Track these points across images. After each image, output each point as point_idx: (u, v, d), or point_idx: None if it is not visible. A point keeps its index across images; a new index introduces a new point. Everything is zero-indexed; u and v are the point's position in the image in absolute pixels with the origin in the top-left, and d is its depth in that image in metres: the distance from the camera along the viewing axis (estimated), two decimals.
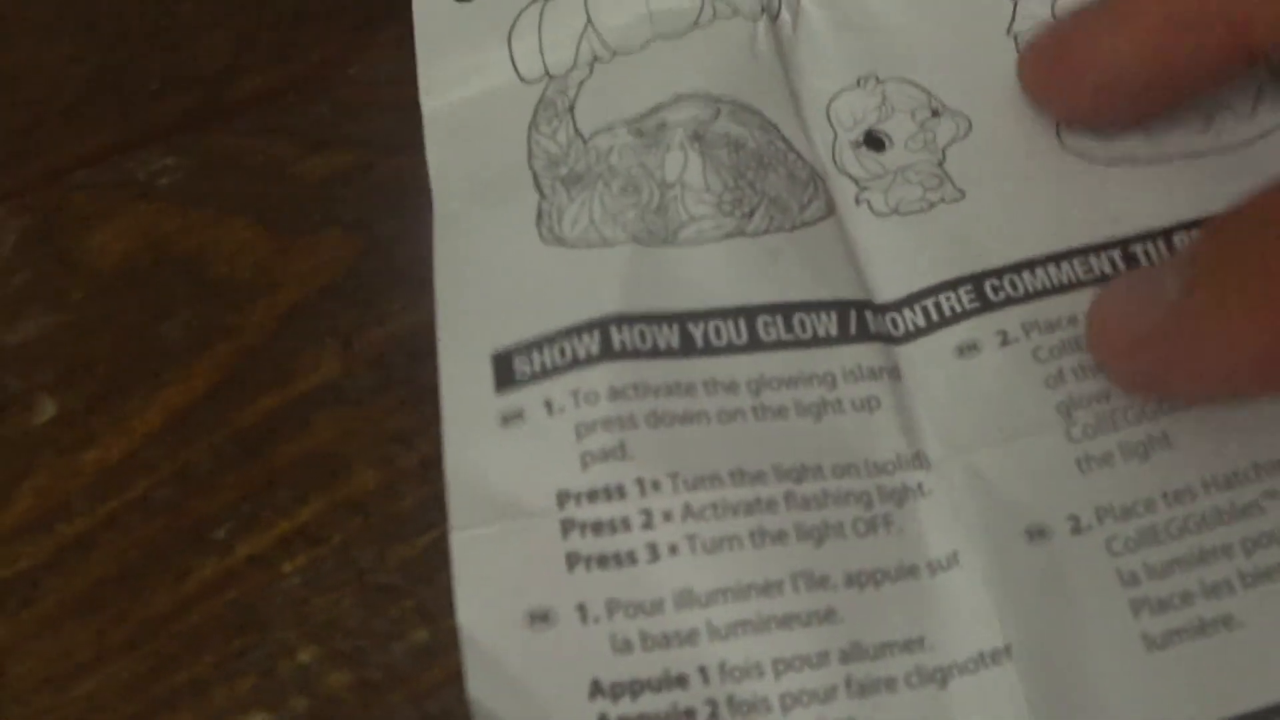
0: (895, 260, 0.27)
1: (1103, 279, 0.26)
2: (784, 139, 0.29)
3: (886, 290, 0.27)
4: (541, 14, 0.30)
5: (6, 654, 0.25)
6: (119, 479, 0.27)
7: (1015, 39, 0.30)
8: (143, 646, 0.25)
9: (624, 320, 0.26)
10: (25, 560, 0.26)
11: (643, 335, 0.26)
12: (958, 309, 0.26)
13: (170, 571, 0.26)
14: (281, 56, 0.32)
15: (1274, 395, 0.24)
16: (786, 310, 0.26)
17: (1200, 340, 0.22)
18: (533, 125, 0.29)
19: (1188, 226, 0.27)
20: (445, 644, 0.24)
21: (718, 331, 0.26)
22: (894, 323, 0.27)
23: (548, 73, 0.30)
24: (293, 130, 0.31)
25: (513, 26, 0.30)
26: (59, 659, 0.25)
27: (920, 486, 0.25)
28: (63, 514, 0.27)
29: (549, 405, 0.25)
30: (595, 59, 0.30)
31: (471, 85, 0.30)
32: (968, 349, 0.26)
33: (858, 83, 0.30)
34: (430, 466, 0.26)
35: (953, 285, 0.27)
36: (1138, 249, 0.27)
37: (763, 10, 0.30)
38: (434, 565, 0.25)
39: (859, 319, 0.26)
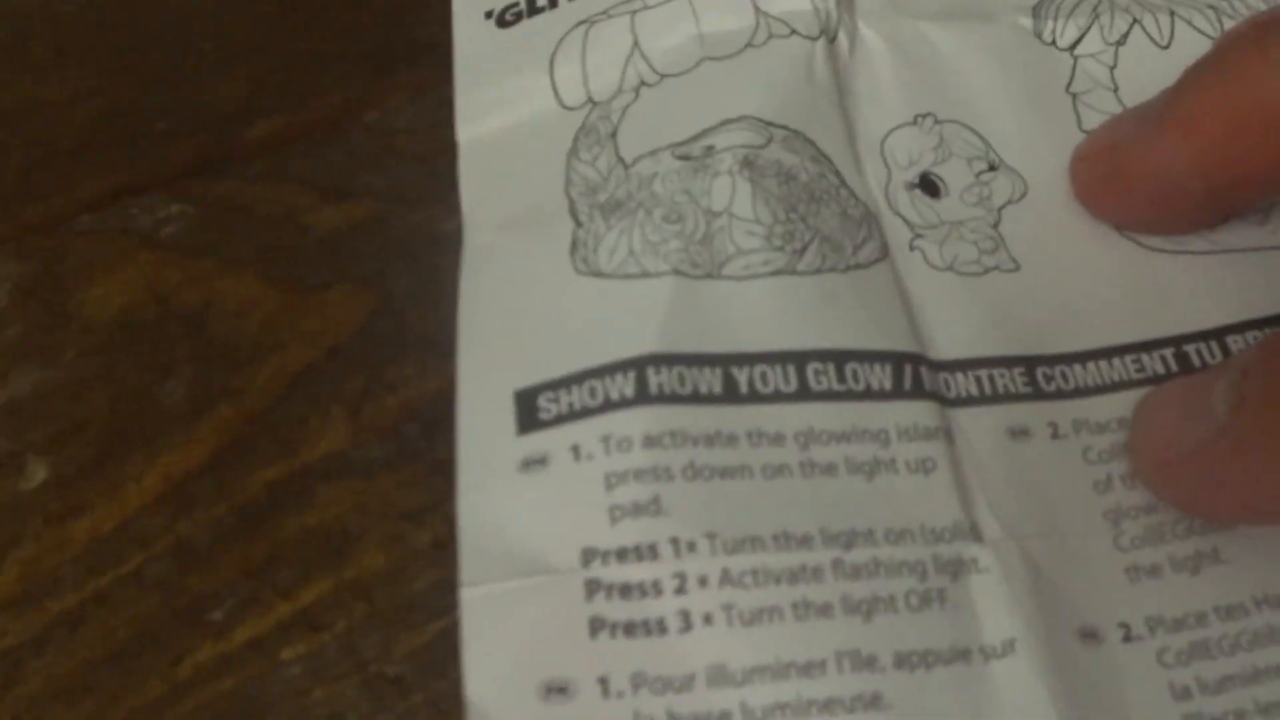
0: (949, 320, 0.26)
1: (1154, 379, 0.26)
2: (836, 172, 0.27)
3: (939, 348, 0.26)
4: (586, 38, 0.29)
5: None
6: (111, 551, 0.26)
7: (1073, 98, 0.29)
8: None
9: (663, 360, 0.24)
10: (10, 638, 0.25)
11: (682, 378, 0.24)
12: (1011, 389, 0.25)
13: (164, 654, 0.24)
14: (296, 100, 0.32)
15: None
16: (839, 358, 0.25)
17: (1244, 465, 0.22)
18: (572, 152, 0.28)
19: (1241, 329, 0.26)
20: None
21: (764, 378, 0.24)
22: (946, 384, 0.25)
23: (591, 99, 0.29)
24: (305, 178, 0.30)
25: (555, 52, 0.30)
26: None
27: (976, 561, 0.23)
28: (51, 588, 0.25)
29: (576, 451, 0.23)
30: (642, 83, 0.29)
31: (510, 113, 0.29)
32: (1019, 433, 0.25)
33: (915, 120, 0.29)
34: (443, 547, 0.25)
35: (1006, 363, 0.26)
36: (1190, 349, 0.26)
37: (821, 31, 0.29)
38: (446, 656, 0.24)
39: (914, 374, 0.25)
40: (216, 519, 0.26)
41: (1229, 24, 0.30)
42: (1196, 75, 0.26)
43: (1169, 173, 0.26)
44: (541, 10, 0.30)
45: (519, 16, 0.30)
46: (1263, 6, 0.30)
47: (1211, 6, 0.30)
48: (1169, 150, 0.25)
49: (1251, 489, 0.22)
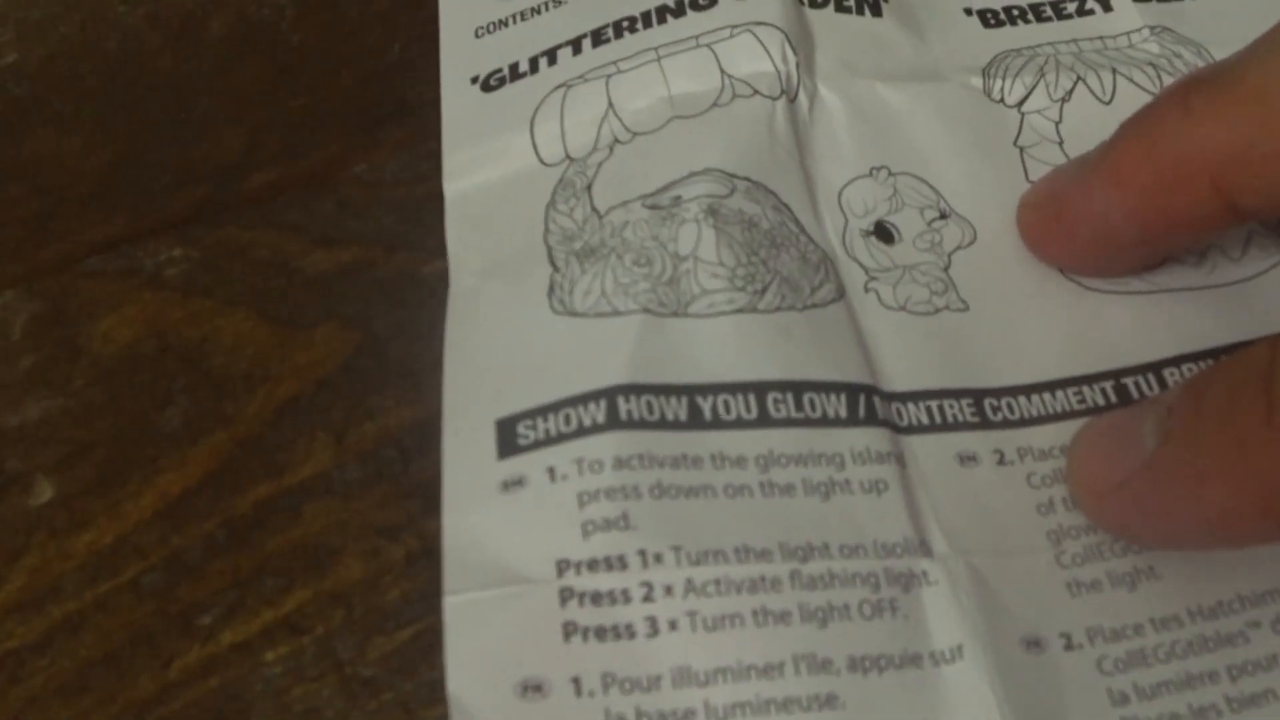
0: (902, 355, 0.27)
1: (1095, 409, 0.27)
2: (796, 221, 0.29)
3: (892, 380, 0.27)
4: (564, 100, 0.31)
5: None
6: (110, 563, 0.27)
7: (1020, 151, 0.31)
8: None
9: (632, 390, 0.25)
10: (15, 639, 0.26)
11: (650, 406, 0.25)
12: (959, 418, 0.26)
13: (156, 656, 0.26)
14: (291, 153, 0.33)
15: (1237, 549, 0.25)
16: (797, 388, 0.26)
17: (1167, 497, 0.23)
18: (550, 204, 0.29)
19: (1177, 362, 0.27)
20: None
21: (727, 406, 0.25)
22: (899, 413, 0.26)
23: (568, 155, 0.30)
24: (298, 225, 0.32)
25: (535, 113, 0.31)
26: None
27: (926, 575, 0.24)
28: (54, 595, 0.26)
29: (552, 472, 0.25)
30: (615, 141, 0.30)
31: (493, 170, 0.31)
32: (968, 459, 0.26)
33: (870, 172, 0.30)
34: (415, 561, 0.26)
35: (955, 395, 0.27)
36: (1129, 382, 0.27)
37: (782, 92, 0.30)
38: (415, 659, 0.25)
39: (868, 403, 0.26)
40: (208, 534, 0.27)
41: (1168, 80, 0.31)
42: (1128, 129, 0.27)
43: (1104, 219, 0.27)
44: (523, 76, 0.32)
45: (502, 82, 0.32)
46: (1200, 63, 0.32)
47: (1151, 64, 0.32)
48: (1103, 199, 0.27)
49: (1173, 519, 0.23)
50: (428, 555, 0.26)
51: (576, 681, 0.23)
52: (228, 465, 0.28)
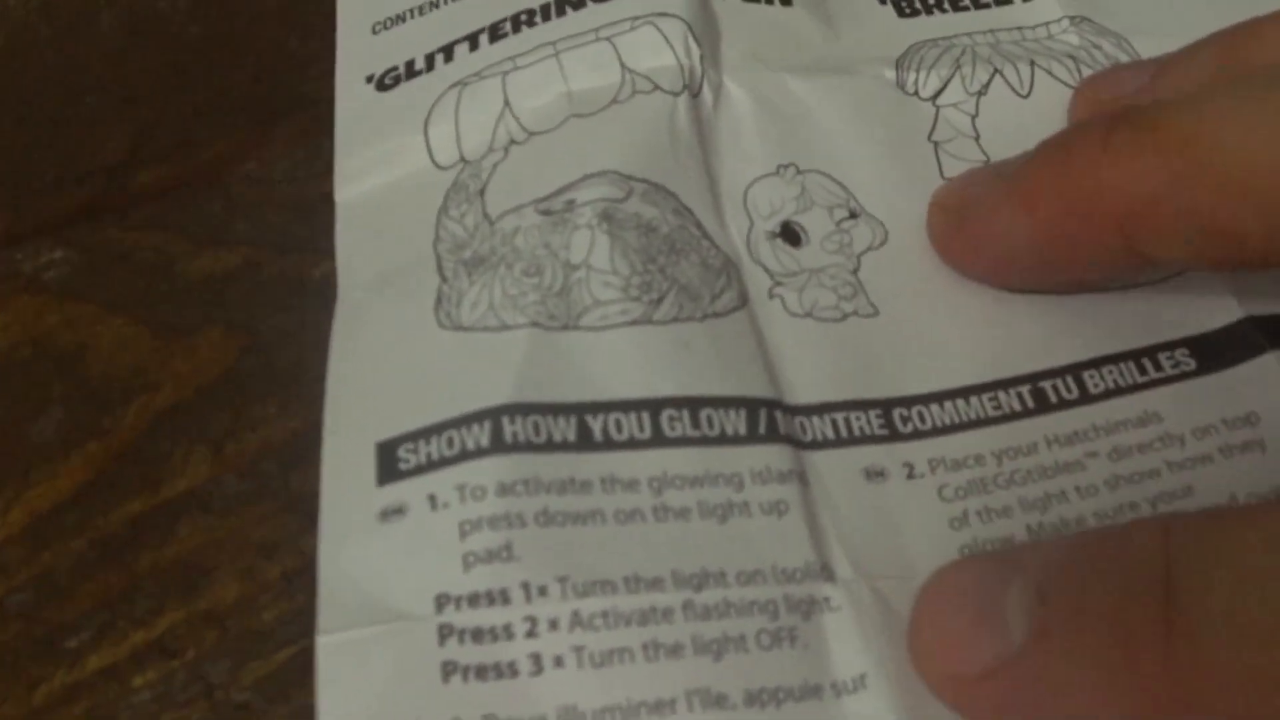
0: (807, 365, 0.26)
1: (1011, 415, 0.26)
2: (698, 224, 0.27)
3: (796, 393, 0.26)
4: (459, 99, 0.30)
5: None
6: None
7: (935, 146, 0.29)
8: None
9: (517, 410, 0.24)
10: None
11: (537, 427, 0.24)
12: (866, 431, 0.25)
13: (20, 681, 0.25)
14: (180, 151, 0.32)
15: None
16: (693, 405, 0.25)
17: (1045, 698, 0.21)
18: (443, 210, 0.28)
19: (1097, 364, 0.26)
20: None
21: (619, 425, 0.24)
22: (803, 428, 0.25)
23: (463, 158, 0.29)
24: (184, 226, 0.30)
25: (430, 113, 0.30)
26: None
27: (828, 600, 0.23)
28: None
29: (433, 500, 0.23)
30: (511, 141, 0.29)
31: (386, 173, 0.29)
32: (875, 475, 0.25)
33: (777, 170, 0.29)
34: (292, 579, 0.25)
35: (862, 406, 0.26)
36: (1046, 385, 0.26)
37: (684, 87, 0.29)
38: (291, 683, 0.24)
39: (769, 419, 0.25)
40: (78, 552, 0.26)
41: (1087, 72, 0.30)
42: (1044, 151, 0.26)
43: (1008, 241, 0.26)
44: (419, 74, 0.31)
45: (398, 80, 0.31)
46: (1122, 57, 0.30)
47: (1070, 56, 0.31)
48: (1009, 220, 0.26)
49: (1055, 715, 0.21)
50: (306, 573, 0.24)
51: None
52: (101, 479, 0.27)
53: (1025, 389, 0.26)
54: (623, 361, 0.25)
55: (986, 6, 0.33)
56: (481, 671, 0.22)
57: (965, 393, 0.26)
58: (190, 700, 0.25)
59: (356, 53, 0.32)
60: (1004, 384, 0.26)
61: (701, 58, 0.30)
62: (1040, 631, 0.21)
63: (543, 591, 0.22)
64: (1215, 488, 0.25)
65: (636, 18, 0.30)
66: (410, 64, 0.31)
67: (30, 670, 0.25)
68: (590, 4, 0.31)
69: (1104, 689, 0.20)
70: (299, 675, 0.24)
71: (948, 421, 0.26)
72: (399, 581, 0.23)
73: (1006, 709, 0.21)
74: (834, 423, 0.25)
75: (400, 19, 0.32)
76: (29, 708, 0.25)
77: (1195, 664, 0.19)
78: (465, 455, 0.24)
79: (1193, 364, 0.26)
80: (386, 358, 0.26)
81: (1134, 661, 0.20)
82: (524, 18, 0.31)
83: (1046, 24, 0.32)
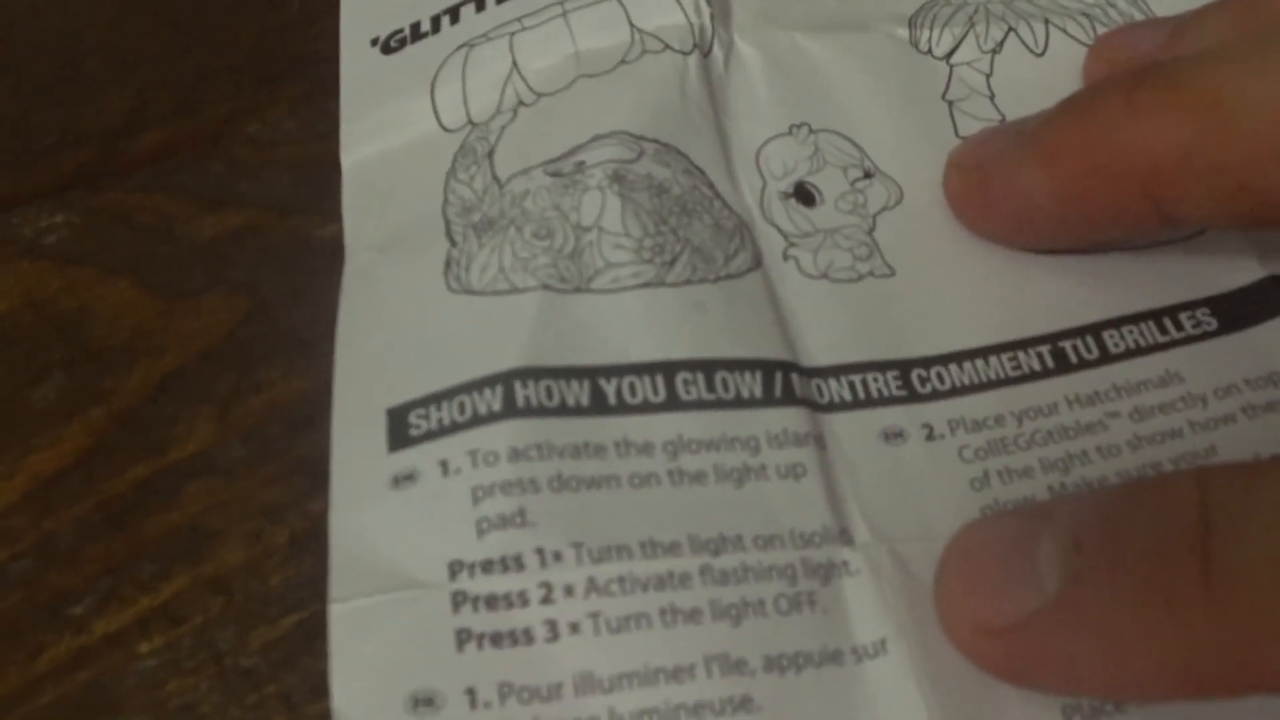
0: (823, 327, 0.26)
1: (1031, 375, 0.25)
2: (710, 185, 0.27)
3: (813, 355, 0.25)
4: (466, 61, 0.29)
5: None
6: None
7: (950, 105, 0.29)
8: None
9: (529, 374, 0.24)
10: None
11: (549, 391, 0.24)
12: (884, 392, 0.25)
13: (23, 648, 0.24)
14: (182, 112, 0.31)
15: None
16: (708, 367, 0.24)
17: (1079, 647, 0.20)
18: (450, 173, 0.28)
19: (1118, 324, 0.26)
20: None
21: (633, 388, 0.24)
22: (819, 390, 0.25)
23: (470, 120, 0.28)
24: (186, 188, 0.30)
25: (436, 75, 0.29)
26: None
27: (847, 565, 0.23)
28: None
29: (444, 466, 0.23)
30: (520, 103, 0.28)
31: (392, 137, 0.29)
32: (894, 436, 0.24)
33: (790, 130, 0.28)
34: (300, 544, 0.25)
35: (879, 368, 0.25)
36: (1067, 345, 0.26)
37: (695, 46, 0.29)
38: (298, 649, 0.24)
39: (785, 381, 0.24)
40: (81, 517, 0.26)
41: (1102, 30, 0.30)
42: (1066, 109, 0.25)
43: (1029, 199, 0.25)
44: (425, 36, 0.30)
45: (403, 43, 0.30)
46: (1137, 15, 0.30)
47: (1085, 14, 0.30)
48: (1030, 178, 0.25)
49: (1080, 673, 0.21)
50: (313, 537, 0.24)
51: (471, 693, 0.21)
52: (104, 443, 0.27)
53: (1045, 349, 0.26)
54: (636, 324, 0.25)
55: None
56: (496, 639, 0.21)
57: (984, 353, 0.26)
58: (197, 667, 0.24)
59: (361, 15, 0.32)
60: (1023, 344, 0.26)
61: (712, 16, 0.29)
62: (1074, 578, 0.20)
63: (557, 557, 0.22)
64: (1239, 447, 0.24)
65: None
66: (416, 26, 0.31)
67: (33, 637, 0.25)
68: None
69: (1141, 633, 0.20)
70: (307, 641, 0.24)
71: (967, 382, 0.25)
72: (411, 549, 0.22)
73: (1030, 662, 0.21)
74: (851, 384, 0.25)
75: None
76: (32, 675, 0.24)
77: (1234, 605, 0.19)
78: (477, 420, 0.23)
79: (1214, 324, 0.26)
80: (395, 323, 0.26)
81: (1172, 603, 0.19)
82: None
83: None
